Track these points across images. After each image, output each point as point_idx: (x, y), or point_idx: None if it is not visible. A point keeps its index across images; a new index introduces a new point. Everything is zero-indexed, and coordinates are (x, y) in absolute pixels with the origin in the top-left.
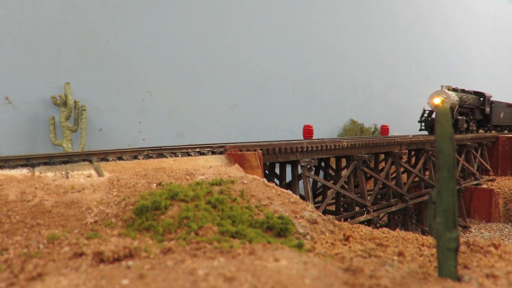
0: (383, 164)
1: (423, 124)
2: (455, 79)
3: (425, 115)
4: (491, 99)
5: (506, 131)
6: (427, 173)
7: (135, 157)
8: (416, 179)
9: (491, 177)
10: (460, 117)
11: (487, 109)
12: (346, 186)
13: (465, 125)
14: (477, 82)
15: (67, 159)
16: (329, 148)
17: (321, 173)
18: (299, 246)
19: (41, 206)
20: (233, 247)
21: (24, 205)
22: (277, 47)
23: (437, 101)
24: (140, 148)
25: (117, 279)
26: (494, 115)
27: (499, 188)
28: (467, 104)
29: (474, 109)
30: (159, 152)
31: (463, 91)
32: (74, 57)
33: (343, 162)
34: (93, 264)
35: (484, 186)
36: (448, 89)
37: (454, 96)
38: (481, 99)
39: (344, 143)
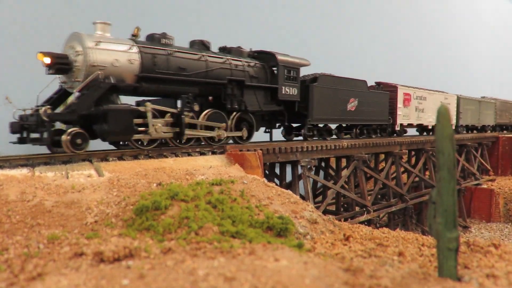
0: (383, 164)
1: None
2: (455, 78)
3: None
4: (310, 72)
5: (376, 136)
6: (427, 173)
7: (135, 157)
8: (416, 179)
9: (491, 177)
10: (113, 106)
11: (290, 90)
12: (346, 186)
13: (166, 130)
14: (477, 81)
15: (67, 159)
16: (329, 148)
17: (321, 173)
18: (299, 246)
19: (41, 206)
20: (233, 247)
21: (24, 205)
22: (277, 46)
23: (47, 60)
24: (140, 148)
25: (117, 279)
26: (317, 105)
27: (499, 188)
28: (191, 74)
29: (235, 89)
30: (159, 152)
31: (197, 44)
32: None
33: (343, 162)
34: (93, 264)
35: (484, 186)
36: (134, 36)
37: (111, 50)
38: (272, 67)
39: (344, 143)
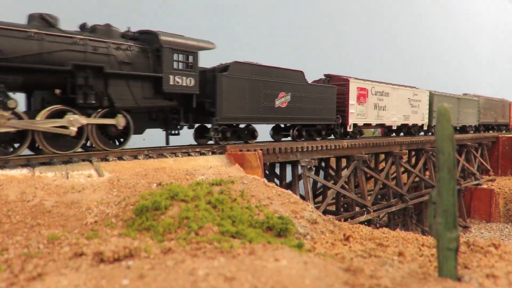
0: (383, 164)
1: None
2: (456, 78)
3: None
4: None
5: (320, 139)
6: (427, 173)
7: (135, 157)
8: (416, 179)
9: (491, 177)
10: None
11: (182, 80)
12: (346, 186)
13: None
14: (478, 82)
15: (67, 159)
16: (329, 148)
17: (321, 173)
18: (299, 246)
19: (41, 206)
20: (233, 247)
21: (24, 205)
22: (277, 46)
23: None
24: (140, 148)
25: (117, 279)
26: (228, 100)
27: (499, 188)
28: (10, 58)
29: (91, 79)
30: (159, 152)
31: (36, 20)
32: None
33: (343, 162)
34: (93, 264)
35: (484, 186)
36: None
37: None
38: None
39: (344, 143)
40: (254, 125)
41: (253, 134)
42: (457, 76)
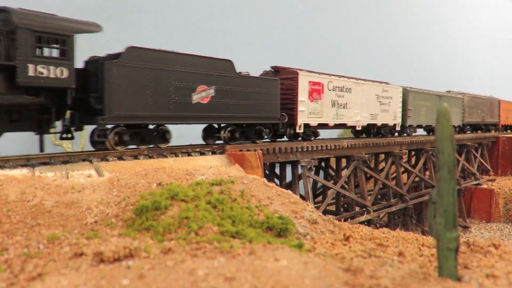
0: (383, 164)
1: None
2: (456, 79)
3: None
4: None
5: (261, 142)
6: (427, 173)
7: (135, 157)
8: (416, 179)
9: (491, 177)
10: None
11: (50, 71)
12: (346, 186)
13: None
14: (478, 82)
15: (67, 159)
16: (329, 148)
17: (321, 173)
18: (299, 246)
19: (41, 206)
20: (233, 247)
21: (24, 205)
22: (275, 47)
23: None
24: (140, 148)
25: (117, 279)
26: (121, 95)
27: (499, 188)
28: None
29: None
30: (159, 152)
31: None
32: (75, 56)
33: (343, 162)
34: (93, 264)
35: (484, 186)
36: None
37: None
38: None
39: (344, 143)
40: (167, 126)
41: (164, 136)
42: (453, 75)
